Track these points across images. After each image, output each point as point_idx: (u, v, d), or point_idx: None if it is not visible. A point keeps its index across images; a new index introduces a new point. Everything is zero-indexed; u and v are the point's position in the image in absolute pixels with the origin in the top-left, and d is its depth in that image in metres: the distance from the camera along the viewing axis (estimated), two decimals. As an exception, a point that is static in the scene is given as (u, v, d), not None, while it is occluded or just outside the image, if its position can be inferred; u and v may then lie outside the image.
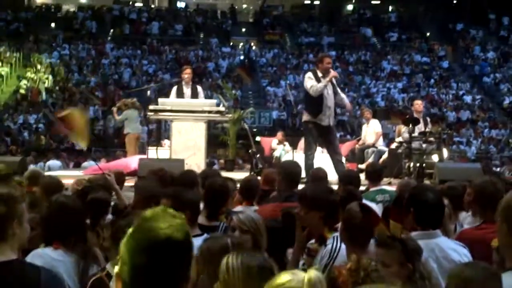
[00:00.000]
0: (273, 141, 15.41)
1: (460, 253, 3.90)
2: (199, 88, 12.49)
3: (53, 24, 38.05)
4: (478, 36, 38.86)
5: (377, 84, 33.35)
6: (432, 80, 34.38)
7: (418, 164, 10.97)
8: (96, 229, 4.56)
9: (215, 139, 15.60)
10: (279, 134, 15.53)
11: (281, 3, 43.21)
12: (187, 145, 10.81)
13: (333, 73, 10.05)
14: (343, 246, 3.91)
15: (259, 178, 6.95)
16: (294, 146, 13.78)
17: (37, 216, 4.41)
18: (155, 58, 34.65)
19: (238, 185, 6.28)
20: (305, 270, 2.28)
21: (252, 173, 11.54)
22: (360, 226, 3.73)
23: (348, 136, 25.26)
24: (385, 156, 12.74)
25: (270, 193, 6.30)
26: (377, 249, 3.43)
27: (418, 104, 12.53)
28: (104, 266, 3.87)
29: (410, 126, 11.40)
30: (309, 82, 9.88)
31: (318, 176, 6.90)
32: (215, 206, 5.07)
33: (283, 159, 13.21)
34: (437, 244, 3.87)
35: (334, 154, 10.14)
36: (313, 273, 2.21)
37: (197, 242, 2.82)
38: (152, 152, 11.77)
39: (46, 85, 30.63)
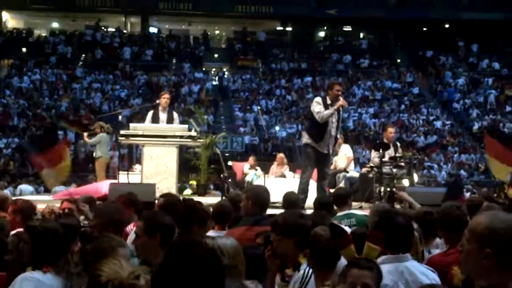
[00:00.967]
0: (245, 166, 15.43)
1: (429, 277, 3.91)
2: (175, 114, 12.57)
3: (24, 49, 37.85)
4: (447, 63, 39.46)
5: (349, 109, 33.60)
6: (403, 106, 34.75)
7: (388, 189, 11.04)
8: (67, 255, 4.52)
9: (187, 164, 15.55)
10: (251, 159, 15.56)
11: (254, 29, 43.48)
12: (158, 170, 10.78)
13: (341, 101, 10.06)
14: None
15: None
16: (265, 170, 13.81)
17: (15, 239, 4.45)
18: (127, 83, 34.58)
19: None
20: None
21: (223, 197, 11.51)
22: (325, 249, 3.74)
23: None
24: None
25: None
26: (351, 270, 3.39)
27: (390, 132, 12.59)
28: None
29: (381, 151, 11.48)
30: (317, 107, 9.91)
31: (291, 200, 6.92)
32: (189, 230, 5.04)
33: (255, 183, 13.21)
34: (407, 267, 3.89)
35: (321, 179, 10.19)
36: None
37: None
38: (123, 177, 11.70)
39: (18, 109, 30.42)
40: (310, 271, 3.96)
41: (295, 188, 9.81)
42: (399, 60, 40.88)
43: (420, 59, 40.38)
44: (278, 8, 41.52)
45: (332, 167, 14.02)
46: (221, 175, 13.67)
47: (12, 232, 4.94)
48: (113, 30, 41.59)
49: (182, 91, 33.78)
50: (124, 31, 42.38)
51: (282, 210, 6.18)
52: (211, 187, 17.25)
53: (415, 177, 12.24)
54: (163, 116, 12.25)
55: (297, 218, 4.40)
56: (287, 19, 43.46)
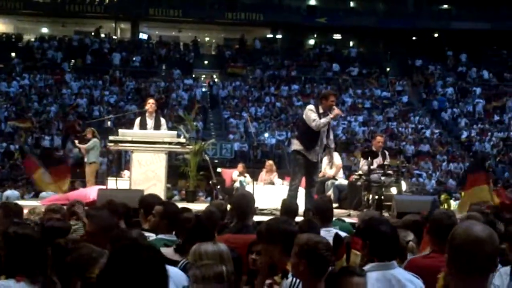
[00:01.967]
0: (234, 173, 15.40)
1: (416, 285, 3.93)
2: (162, 120, 12.57)
3: (13, 54, 37.74)
4: (436, 72, 39.67)
5: (338, 117, 33.63)
6: (392, 114, 34.88)
7: (376, 197, 11.07)
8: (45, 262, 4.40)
9: (175, 170, 15.54)
10: (240, 166, 15.53)
11: (243, 36, 43.57)
12: (147, 176, 10.76)
13: (337, 110, 10.09)
14: None
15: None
16: (255, 177, 13.80)
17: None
18: (116, 88, 34.52)
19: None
20: None
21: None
22: (325, 258, 3.73)
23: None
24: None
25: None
26: (352, 278, 3.38)
27: (379, 141, 12.63)
28: None
29: (369, 159, 11.52)
30: (313, 115, 9.91)
31: (288, 208, 6.93)
32: (189, 243, 4.83)
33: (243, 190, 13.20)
34: (394, 275, 3.90)
35: (309, 186, 10.21)
36: None
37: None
38: (112, 183, 11.67)
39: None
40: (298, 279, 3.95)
41: (283, 195, 9.81)
42: (388, 69, 41.07)
43: (409, 68, 40.57)
44: (268, 16, 41.68)
45: (320, 174, 14.06)
46: (210, 182, 13.68)
47: None
48: (103, 36, 41.55)
49: (171, 98, 33.74)
50: (114, 37, 42.35)
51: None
52: (201, 193, 17.27)
53: (403, 185, 12.28)
54: (150, 122, 12.27)
55: (280, 223, 4.40)
56: (277, 27, 43.60)
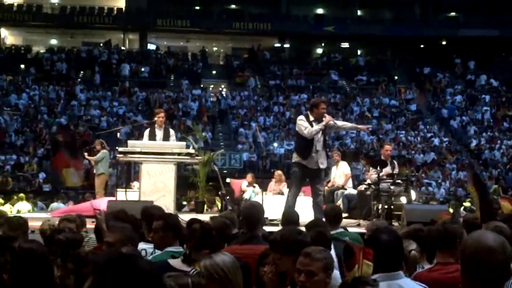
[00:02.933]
0: (243, 183, 15.37)
1: (422, 295, 3.94)
2: (171, 131, 12.57)
3: (22, 66, 37.93)
4: (444, 80, 39.60)
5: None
6: (401, 123, 34.82)
7: (386, 206, 11.05)
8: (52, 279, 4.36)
9: (185, 181, 15.57)
10: (249, 176, 15.50)
11: (251, 46, 43.68)
12: (156, 187, 10.78)
13: (328, 117, 10.14)
14: None
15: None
16: (264, 188, 13.80)
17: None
18: (125, 99, 34.62)
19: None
20: None
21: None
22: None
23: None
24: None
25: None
26: None
27: (387, 149, 12.63)
28: None
29: (378, 168, 11.51)
30: (304, 124, 10.00)
31: (289, 217, 6.91)
32: (196, 253, 4.84)
33: (252, 200, 13.20)
34: (400, 285, 3.88)
35: (315, 196, 10.24)
36: None
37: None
38: (121, 194, 11.69)
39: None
40: None
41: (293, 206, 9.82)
42: (396, 77, 41.04)
43: (417, 76, 40.52)
44: (276, 25, 41.78)
45: (330, 184, 14.05)
46: (219, 192, 13.69)
47: None
48: (111, 47, 41.74)
49: (180, 108, 33.80)
50: (123, 48, 42.53)
51: (280, 228, 6.16)
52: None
53: (413, 194, 12.26)
54: (159, 133, 12.28)
55: (295, 234, 4.39)
56: (285, 36, 43.67)
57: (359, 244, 5.90)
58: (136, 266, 2.45)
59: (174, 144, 11.72)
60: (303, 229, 5.44)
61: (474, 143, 33.10)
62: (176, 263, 4.75)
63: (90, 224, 7.64)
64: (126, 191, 11.85)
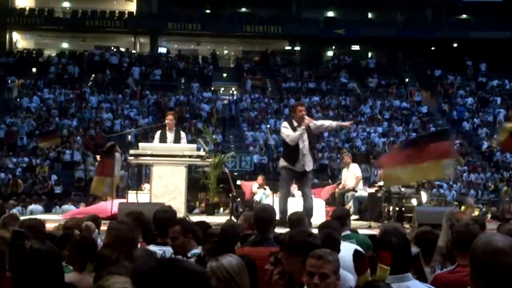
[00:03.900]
0: (254, 185, 15.39)
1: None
2: (182, 134, 12.55)
3: (34, 69, 38.11)
4: (456, 82, 39.48)
5: (357, 129, 33.62)
6: (411, 125, 34.74)
7: (397, 208, 11.03)
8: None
9: (195, 183, 15.59)
10: (260, 178, 15.52)
11: (262, 49, 43.72)
12: (167, 189, 10.79)
13: (307, 120, 10.21)
14: None
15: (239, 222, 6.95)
16: (274, 190, 13.77)
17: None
18: (136, 102, 34.73)
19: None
20: None
21: (232, 217, 11.54)
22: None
23: (330, 180, 25.33)
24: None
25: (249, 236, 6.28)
26: None
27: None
28: None
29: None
30: (286, 131, 10.20)
31: (296, 220, 6.91)
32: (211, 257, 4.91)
33: (264, 203, 13.20)
34: (409, 287, 3.89)
35: (304, 197, 10.43)
36: None
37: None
38: (132, 196, 11.73)
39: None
40: None
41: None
42: (407, 79, 40.95)
43: (428, 78, 40.42)
44: (287, 28, 41.79)
45: (340, 186, 14.05)
46: (230, 195, 13.69)
47: None
48: (122, 50, 41.92)
49: (190, 111, 33.89)
50: (133, 51, 42.68)
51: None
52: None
53: (424, 197, 12.22)
54: (170, 135, 12.25)
55: (305, 236, 4.40)
56: (296, 39, 43.67)
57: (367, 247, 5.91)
58: (185, 269, 2.45)
59: (185, 147, 11.72)
60: (315, 231, 5.45)
61: (485, 145, 32.96)
62: None
63: (104, 226, 7.67)
64: (137, 193, 11.89)
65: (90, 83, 37.05)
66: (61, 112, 32.69)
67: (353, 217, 11.25)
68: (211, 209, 14.22)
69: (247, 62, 42.11)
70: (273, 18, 42.51)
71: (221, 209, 15.26)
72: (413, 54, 42.26)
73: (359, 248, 5.50)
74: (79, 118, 32.24)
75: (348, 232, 6.98)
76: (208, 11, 43.44)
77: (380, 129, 33.74)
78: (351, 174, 13.83)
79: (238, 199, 13.34)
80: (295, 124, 10.17)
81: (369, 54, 45.05)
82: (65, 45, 44.16)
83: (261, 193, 14.69)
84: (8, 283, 3.97)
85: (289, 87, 38.26)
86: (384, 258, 3.60)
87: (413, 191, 11.58)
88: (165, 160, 10.92)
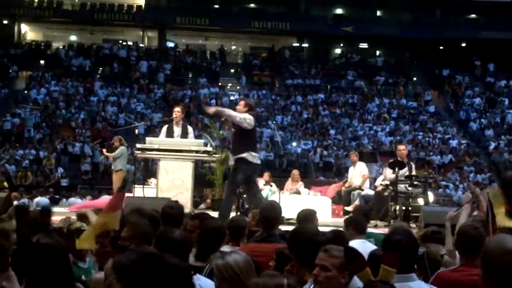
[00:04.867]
0: (260, 182, 15.37)
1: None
2: (190, 128, 12.30)
3: (42, 61, 38.18)
4: (464, 82, 39.37)
5: (364, 127, 33.58)
6: (418, 124, 34.66)
7: (404, 207, 11.00)
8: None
9: (202, 179, 15.57)
10: (266, 175, 15.50)
11: (270, 45, 43.67)
12: (174, 184, 10.79)
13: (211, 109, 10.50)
14: None
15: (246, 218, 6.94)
16: (280, 187, 13.79)
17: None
18: (143, 96, 34.75)
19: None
20: None
21: (238, 213, 11.53)
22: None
23: (336, 178, 25.31)
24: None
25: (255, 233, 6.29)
26: None
27: (401, 150, 12.55)
28: None
29: (396, 169, 11.47)
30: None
31: (305, 217, 6.90)
32: (206, 248, 4.98)
33: (270, 200, 13.19)
34: (411, 288, 3.87)
35: (256, 192, 10.37)
36: None
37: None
38: (139, 191, 11.73)
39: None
40: None
41: (309, 205, 9.79)
42: (415, 78, 40.86)
43: (436, 77, 40.32)
44: (295, 25, 41.74)
45: (347, 184, 14.04)
46: (236, 191, 13.66)
47: None
48: (131, 44, 41.95)
49: (197, 106, 33.87)
50: (142, 45, 42.70)
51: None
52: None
53: (431, 196, 12.20)
54: (177, 130, 11.96)
55: (310, 233, 4.40)
56: (304, 36, 43.61)
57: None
58: (166, 263, 2.45)
59: (192, 142, 11.65)
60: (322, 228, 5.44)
61: (492, 146, 32.85)
62: (190, 259, 4.73)
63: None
64: (143, 187, 11.90)
65: (98, 76, 37.13)
66: (68, 105, 32.72)
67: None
68: (217, 205, 14.20)
69: (255, 58, 42.09)
70: (282, 15, 42.47)
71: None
72: (421, 53, 42.13)
73: (369, 244, 5.51)
74: (87, 111, 32.25)
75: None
76: (216, 6, 43.39)
77: (387, 128, 33.68)
78: (357, 173, 13.81)
79: (244, 196, 13.33)
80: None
81: (377, 52, 44.96)
82: (73, 37, 44.20)
83: (267, 189, 14.67)
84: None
85: (296, 84, 38.22)
86: (392, 260, 3.56)
87: (419, 191, 11.56)
88: (172, 155, 10.91)
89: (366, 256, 3.91)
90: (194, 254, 4.91)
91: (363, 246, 5.18)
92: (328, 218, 11.97)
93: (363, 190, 13.29)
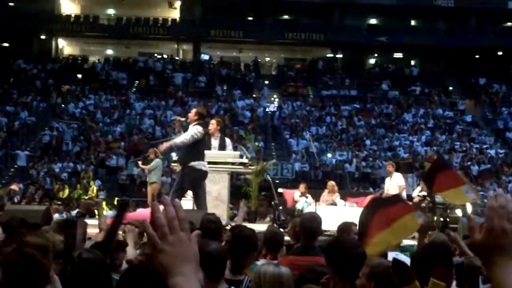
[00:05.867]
0: (296, 193, 15.37)
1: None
2: (228, 140, 12.31)
3: (79, 75, 38.72)
4: (501, 91, 38.91)
5: (400, 137, 33.35)
6: (455, 134, 34.31)
7: (441, 219, 10.91)
8: None
9: (237, 190, 15.61)
10: (302, 186, 15.48)
11: (304, 56, 43.70)
12: (210, 196, 10.83)
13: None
14: None
15: (282, 230, 6.94)
16: (316, 198, 13.77)
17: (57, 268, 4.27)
18: (178, 109, 34.98)
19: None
20: None
21: (274, 225, 11.52)
22: (388, 282, 3.69)
23: (371, 189, 25.18)
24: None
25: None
26: None
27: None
28: None
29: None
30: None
31: (345, 228, 6.89)
32: (239, 258, 4.88)
33: (306, 211, 13.18)
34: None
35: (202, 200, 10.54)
36: None
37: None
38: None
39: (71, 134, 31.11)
40: None
41: (346, 217, 9.75)
42: (450, 88, 40.49)
43: (472, 86, 39.91)
44: (329, 35, 41.70)
45: (383, 196, 13.94)
46: (272, 202, 13.69)
47: None
48: (166, 56, 42.35)
49: (232, 118, 34.00)
50: (177, 57, 43.06)
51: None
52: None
53: (469, 207, 12.07)
54: (214, 142, 11.94)
55: (348, 244, 4.37)
56: (338, 46, 43.52)
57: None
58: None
59: (228, 154, 11.70)
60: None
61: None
62: (226, 273, 4.69)
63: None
64: (180, 199, 11.96)
65: (134, 89, 37.54)
66: (105, 118, 33.12)
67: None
68: (252, 217, 14.22)
69: (289, 69, 42.15)
70: (315, 25, 42.47)
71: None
72: (457, 62, 41.72)
73: (402, 257, 5.46)
74: (126, 124, 32.59)
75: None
76: (250, 18, 43.60)
77: (423, 138, 33.39)
78: (394, 184, 13.73)
79: (280, 207, 13.35)
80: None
81: (412, 62, 44.66)
82: (109, 51, 44.78)
83: (303, 201, 14.67)
84: None
85: (330, 95, 38.15)
86: (442, 275, 3.52)
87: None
88: (208, 166, 10.94)
89: None
90: (229, 267, 4.84)
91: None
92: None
93: (399, 201, 13.17)
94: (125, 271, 3.88)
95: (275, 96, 39.62)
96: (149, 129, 32.24)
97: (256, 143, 20.28)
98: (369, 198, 15.00)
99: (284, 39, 42.00)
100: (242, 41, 42.73)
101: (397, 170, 14.34)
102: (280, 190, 16.46)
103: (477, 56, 42.34)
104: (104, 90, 36.27)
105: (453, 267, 4.14)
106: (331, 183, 15.18)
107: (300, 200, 14.84)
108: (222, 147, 11.87)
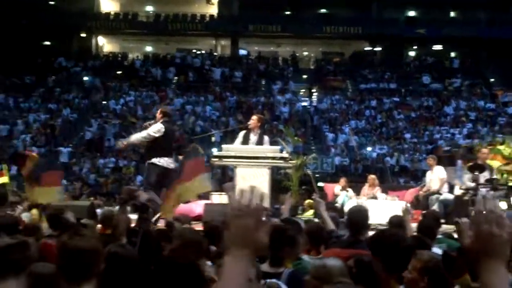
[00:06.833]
0: (336, 187, 15.34)
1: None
2: (266, 138, 12.27)
3: (119, 72, 39.16)
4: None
5: (441, 130, 32.99)
6: (497, 126, 33.81)
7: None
8: None
9: (277, 185, 15.61)
10: (342, 180, 15.44)
11: (342, 50, 43.48)
12: (251, 191, 10.83)
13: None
14: None
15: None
16: (357, 192, 13.73)
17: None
18: (217, 104, 35.15)
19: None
20: None
21: (315, 219, 11.51)
22: (445, 277, 3.67)
23: (412, 182, 24.97)
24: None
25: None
26: None
27: (485, 153, 12.29)
28: None
29: (476, 173, 11.24)
30: None
31: (395, 222, 6.87)
32: (277, 249, 4.80)
33: (346, 205, 13.16)
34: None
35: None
36: None
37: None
38: (216, 198, 11.86)
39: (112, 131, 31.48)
40: None
41: (387, 210, 9.73)
42: (492, 80, 39.87)
43: (514, 78, 39.26)
44: (367, 28, 41.42)
45: (425, 189, 13.83)
46: (312, 197, 13.66)
47: None
48: (204, 52, 42.54)
49: (271, 112, 34.03)
50: (215, 53, 43.23)
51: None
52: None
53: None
54: (253, 137, 12.01)
55: (395, 237, 4.35)
56: (376, 39, 43.18)
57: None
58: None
59: (268, 148, 11.69)
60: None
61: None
62: (264, 267, 4.74)
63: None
64: (221, 195, 12.01)
65: (173, 85, 37.82)
66: (145, 114, 33.42)
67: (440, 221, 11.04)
68: (293, 211, 14.22)
69: (327, 63, 42.00)
70: (353, 19, 42.18)
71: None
72: (498, 54, 41.05)
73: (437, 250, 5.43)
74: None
75: (439, 236, 6.85)
76: (287, 12, 43.49)
77: (464, 131, 32.99)
78: (435, 177, 13.59)
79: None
80: None
81: (452, 54, 44.09)
82: (148, 48, 45.17)
83: (343, 195, 14.64)
84: None
85: (369, 88, 37.91)
86: None
87: (501, 195, 11.28)
88: (249, 161, 10.95)
89: None
90: (268, 261, 4.86)
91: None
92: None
93: (441, 194, 13.08)
94: (157, 264, 3.92)
95: (313, 90, 39.51)
96: (189, 124, 32.44)
97: (296, 138, 20.19)
98: (410, 191, 14.93)
99: (322, 33, 41.86)
100: (280, 35, 42.70)
101: (438, 163, 14.17)
102: (320, 184, 16.45)
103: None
104: (144, 87, 36.60)
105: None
106: (372, 176, 15.10)
107: (341, 194, 14.81)
108: (259, 143, 11.86)
